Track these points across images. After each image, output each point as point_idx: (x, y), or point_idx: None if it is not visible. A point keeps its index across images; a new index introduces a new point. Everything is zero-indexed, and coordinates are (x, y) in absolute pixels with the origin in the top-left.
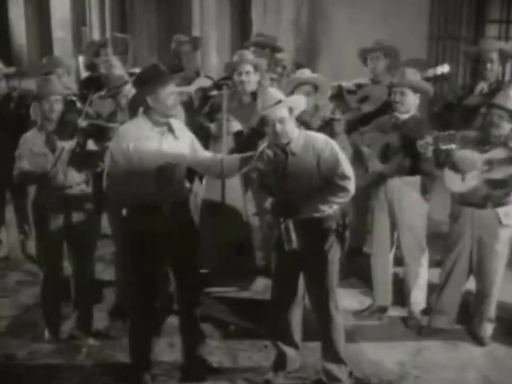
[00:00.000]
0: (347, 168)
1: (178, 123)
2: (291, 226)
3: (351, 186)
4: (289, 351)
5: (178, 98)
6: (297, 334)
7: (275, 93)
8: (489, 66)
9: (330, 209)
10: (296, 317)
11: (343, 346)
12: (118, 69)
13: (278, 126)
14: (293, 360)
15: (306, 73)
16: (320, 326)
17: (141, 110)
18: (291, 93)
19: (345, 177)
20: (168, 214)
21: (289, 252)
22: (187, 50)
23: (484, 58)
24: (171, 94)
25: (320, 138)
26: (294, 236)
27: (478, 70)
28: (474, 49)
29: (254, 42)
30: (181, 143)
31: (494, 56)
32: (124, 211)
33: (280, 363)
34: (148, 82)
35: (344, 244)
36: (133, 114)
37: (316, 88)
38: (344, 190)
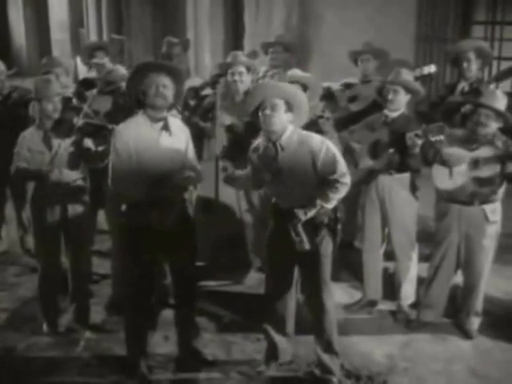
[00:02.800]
0: (343, 164)
1: (176, 121)
2: (300, 227)
3: (349, 180)
4: (281, 343)
5: (168, 92)
6: (290, 326)
7: (277, 84)
8: (465, 65)
9: (331, 205)
10: (290, 309)
11: (336, 338)
12: (121, 68)
13: (268, 111)
14: (284, 351)
15: (296, 72)
16: (314, 317)
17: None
18: None
19: (343, 174)
20: (166, 209)
21: (283, 246)
22: (178, 52)
23: (461, 58)
24: (163, 86)
25: (315, 137)
26: (304, 236)
27: (458, 70)
28: (452, 49)
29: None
30: (177, 140)
31: (471, 55)
32: (123, 206)
33: (272, 354)
34: (134, 72)
35: (336, 237)
36: (131, 111)
37: (305, 88)
38: (344, 185)
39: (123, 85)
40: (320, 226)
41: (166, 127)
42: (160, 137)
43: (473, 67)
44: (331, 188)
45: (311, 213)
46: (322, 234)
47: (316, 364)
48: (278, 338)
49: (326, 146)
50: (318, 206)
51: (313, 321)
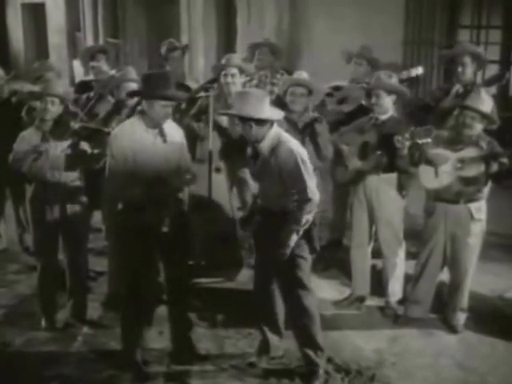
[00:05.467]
0: (306, 179)
1: (171, 125)
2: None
3: (312, 194)
4: (272, 338)
5: (171, 110)
6: (280, 323)
7: (242, 106)
8: (460, 69)
9: (302, 225)
10: (278, 306)
11: (319, 334)
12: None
13: (239, 129)
14: (276, 347)
15: (303, 75)
16: (294, 316)
17: (137, 111)
18: (285, 91)
19: (304, 189)
20: (162, 209)
21: (264, 246)
22: (178, 56)
23: (457, 61)
24: (166, 105)
25: (286, 147)
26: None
27: (452, 73)
28: (448, 52)
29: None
30: (172, 142)
31: (467, 59)
32: (119, 206)
33: (264, 348)
34: (152, 88)
35: (311, 241)
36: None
37: (310, 92)
38: (305, 201)
39: (125, 85)
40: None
41: (161, 131)
42: (156, 140)
43: (467, 71)
44: (296, 208)
45: (293, 242)
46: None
47: (302, 357)
48: (270, 335)
49: (294, 158)
50: (293, 232)
51: (293, 320)
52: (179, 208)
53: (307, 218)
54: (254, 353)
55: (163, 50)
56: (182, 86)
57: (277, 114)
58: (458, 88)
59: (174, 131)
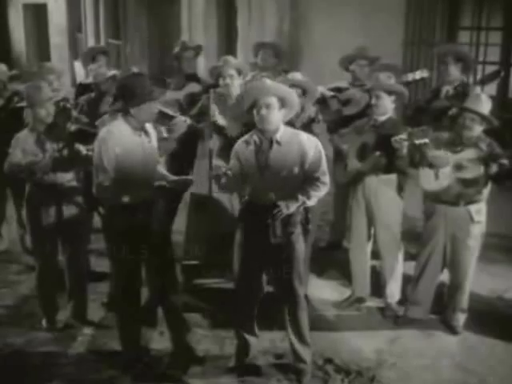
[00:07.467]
0: (325, 164)
1: (150, 127)
2: (280, 220)
3: (328, 180)
4: (251, 339)
5: (156, 110)
6: (254, 324)
7: (270, 82)
8: (443, 68)
9: (312, 202)
10: (255, 308)
11: (307, 330)
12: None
13: (264, 111)
14: (254, 347)
15: (297, 76)
16: (287, 310)
17: (120, 114)
18: None
19: (324, 173)
20: (151, 209)
21: (257, 245)
22: (190, 56)
23: (440, 61)
24: (153, 107)
25: (304, 135)
26: (280, 230)
27: (439, 73)
28: (433, 53)
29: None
30: (154, 145)
31: (448, 59)
32: (105, 207)
33: (243, 352)
34: (135, 96)
35: (307, 236)
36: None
37: (304, 92)
38: (324, 184)
39: None
40: (294, 224)
41: (145, 132)
42: (142, 141)
43: (451, 71)
44: (312, 186)
45: (293, 207)
46: (296, 232)
47: (291, 353)
48: (249, 337)
49: (315, 144)
50: (299, 202)
51: (286, 314)
52: (159, 209)
53: (316, 199)
54: (233, 357)
55: (176, 49)
56: (160, 80)
57: None
58: (447, 89)
59: (151, 131)
